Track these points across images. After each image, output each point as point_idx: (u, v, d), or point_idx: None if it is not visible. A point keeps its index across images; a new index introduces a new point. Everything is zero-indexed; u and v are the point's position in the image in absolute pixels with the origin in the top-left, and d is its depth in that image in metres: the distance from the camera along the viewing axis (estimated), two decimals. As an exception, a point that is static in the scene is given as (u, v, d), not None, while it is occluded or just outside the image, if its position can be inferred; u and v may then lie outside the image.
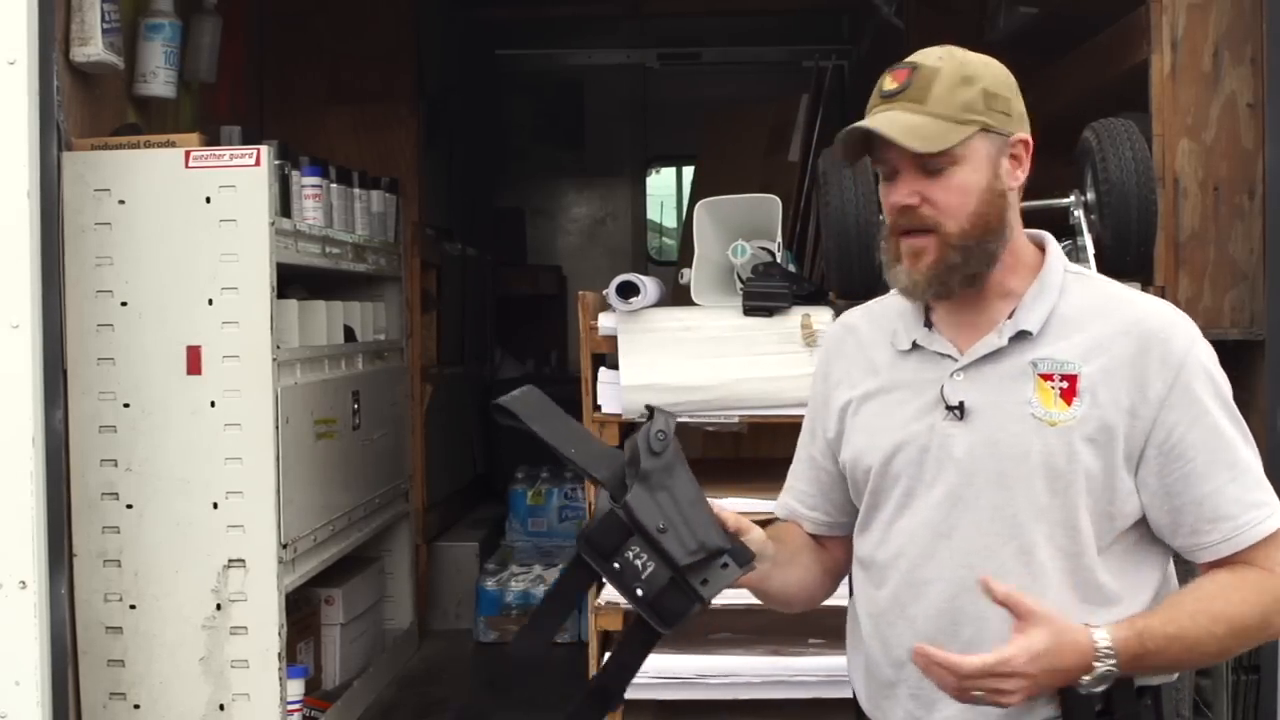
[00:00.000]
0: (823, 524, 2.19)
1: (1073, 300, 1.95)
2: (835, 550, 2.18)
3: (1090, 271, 2.06)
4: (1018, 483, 1.91)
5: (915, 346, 2.02)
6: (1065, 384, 1.90)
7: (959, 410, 1.95)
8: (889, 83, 1.94)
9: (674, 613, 1.85)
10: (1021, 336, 1.94)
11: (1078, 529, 1.89)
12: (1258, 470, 1.91)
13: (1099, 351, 1.90)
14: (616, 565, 1.85)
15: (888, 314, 2.09)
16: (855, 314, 2.19)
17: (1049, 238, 2.03)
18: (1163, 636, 1.84)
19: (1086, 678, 1.80)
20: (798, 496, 2.22)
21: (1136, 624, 1.84)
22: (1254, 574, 1.88)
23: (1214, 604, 1.86)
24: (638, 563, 1.84)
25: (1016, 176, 1.95)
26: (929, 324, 2.02)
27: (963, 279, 1.95)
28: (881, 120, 1.91)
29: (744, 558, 1.87)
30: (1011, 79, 1.97)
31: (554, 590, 2.02)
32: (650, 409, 1.92)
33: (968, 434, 1.94)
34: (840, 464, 2.11)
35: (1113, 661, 1.80)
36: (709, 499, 1.89)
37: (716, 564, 1.84)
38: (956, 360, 1.97)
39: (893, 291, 2.06)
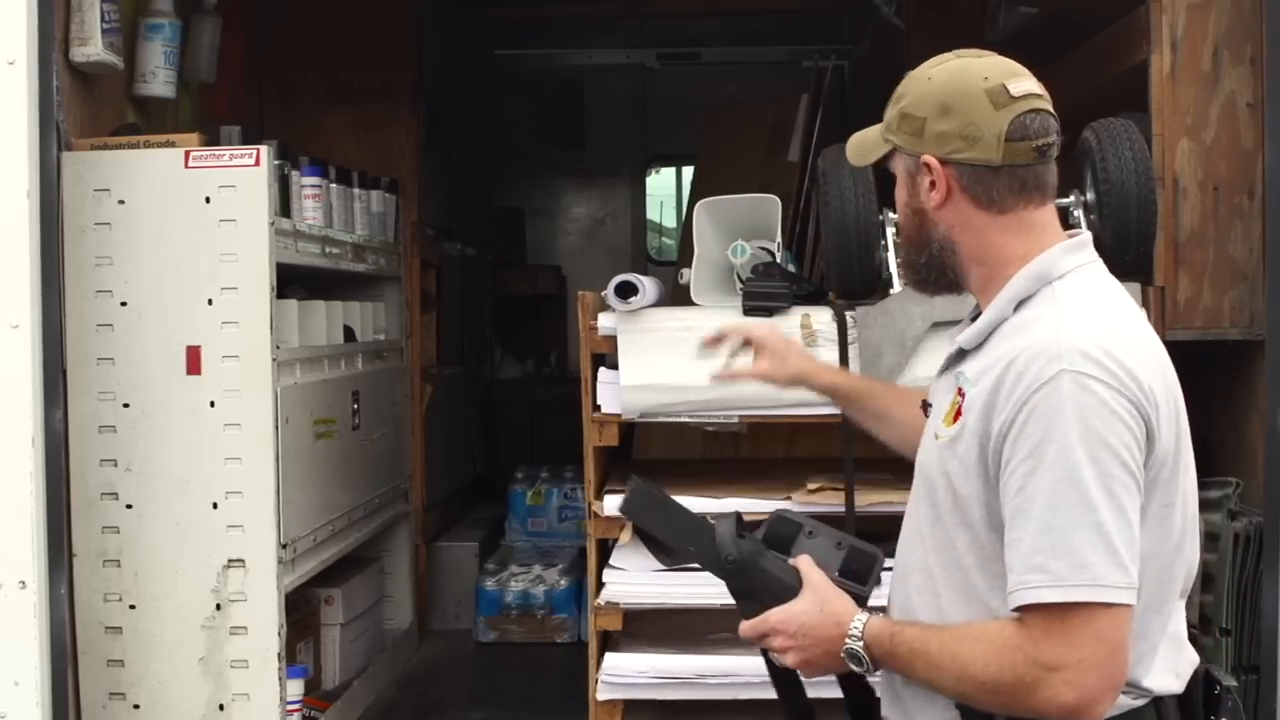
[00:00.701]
0: None
1: (1022, 317, 1.91)
2: None
3: (1073, 289, 1.91)
4: (920, 491, 2.00)
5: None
6: (960, 400, 1.90)
7: (925, 409, 2.08)
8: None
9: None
10: (961, 349, 1.99)
11: (953, 543, 1.91)
12: (1065, 537, 1.73)
13: (984, 375, 1.88)
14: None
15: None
16: None
17: (1050, 250, 1.95)
18: (909, 648, 1.87)
19: (841, 653, 1.92)
20: None
21: (897, 626, 1.92)
22: (1013, 636, 1.78)
23: (959, 644, 1.83)
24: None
25: (933, 197, 1.95)
26: (974, 320, 2.07)
27: (913, 281, 2.08)
28: (859, 133, 2.08)
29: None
30: (947, 97, 1.93)
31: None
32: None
33: (925, 434, 2.04)
34: None
35: (859, 643, 1.90)
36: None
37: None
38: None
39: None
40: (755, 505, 3.46)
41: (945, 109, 1.92)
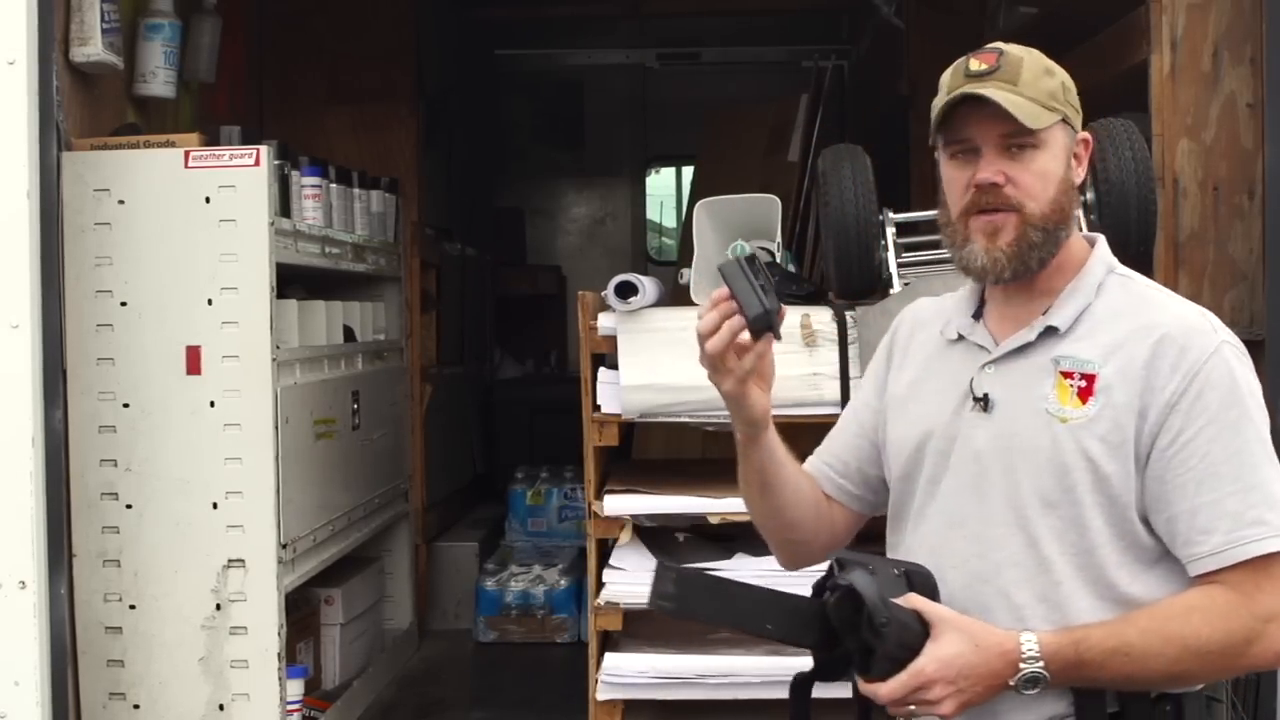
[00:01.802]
0: (843, 490, 2.21)
1: (1109, 301, 1.95)
2: (837, 514, 2.20)
3: (1137, 275, 2.01)
4: (1026, 476, 1.92)
5: (960, 338, 2.05)
6: (1084, 382, 1.90)
7: (984, 402, 1.97)
8: (975, 64, 1.94)
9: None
10: (1050, 332, 1.95)
11: (1087, 526, 1.88)
12: (1272, 490, 1.83)
13: (1118, 352, 1.89)
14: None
15: (948, 305, 2.13)
16: (924, 303, 2.22)
17: (1101, 239, 2.03)
18: (1103, 649, 1.81)
19: (1014, 679, 1.81)
20: (828, 460, 2.23)
21: (1076, 633, 1.84)
22: (1225, 597, 1.81)
23: (1169, 623, 1.82)
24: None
25: (1079, 173, 1.99)
26: (978, 316, 2.05)
27: (1040, 262, 1.95)
28: (1001, 96, 1.90)
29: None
30: (1070, 81, 2.00)
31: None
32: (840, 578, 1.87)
33: (990, 426, 1.96)
34: (880, 444, 2.15)
35: (1039, 665, 1.81)
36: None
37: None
38: (990, 353, 2.00)
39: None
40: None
41: (1073, 93, 1.98)
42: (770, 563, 3.38)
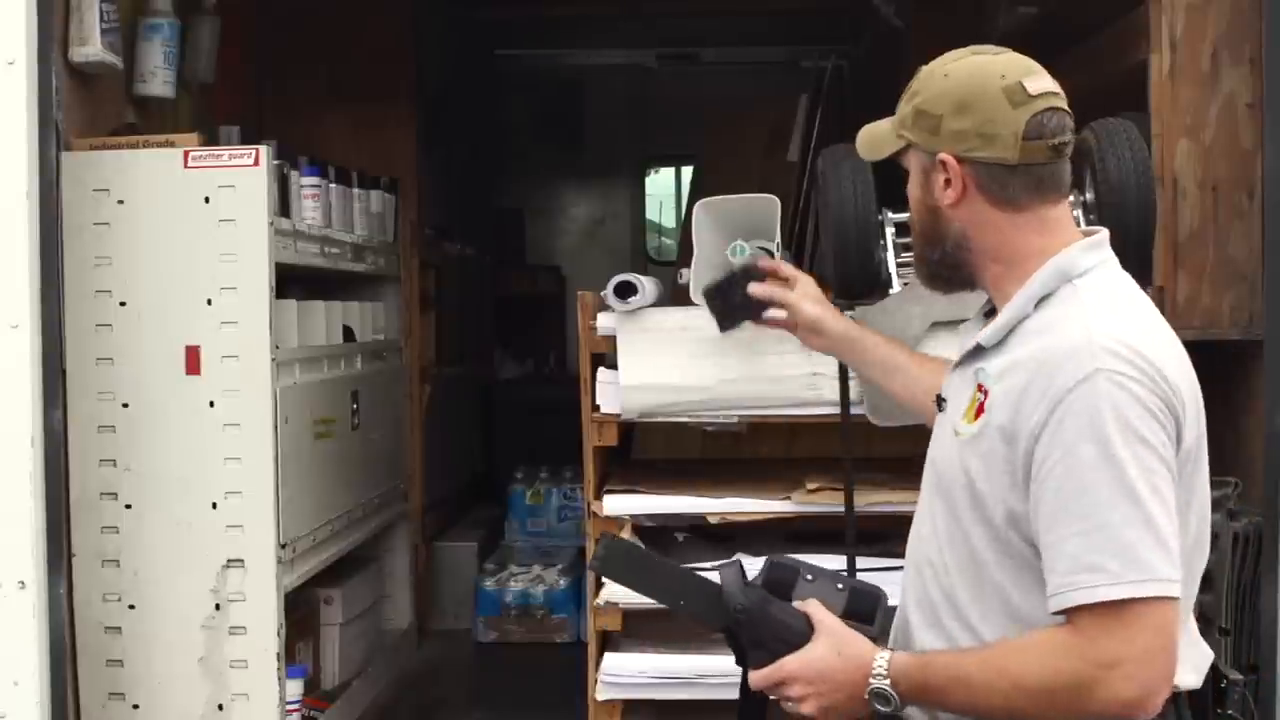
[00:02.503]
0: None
1: (1044, 316, 1.90)
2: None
3: (1093, 287, 1.92)
4: (937, 484, 1.99)
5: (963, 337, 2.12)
6: (982, 397, 1.90)
7: (940, 403, 2.06)
8: None
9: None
10: (979, 345, 1.97)
11: (972, 543, 1.90)
12: (1118, 534, 1.73)
13: (1010, 373, 1.87)
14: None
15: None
16: None
17: (1070, 247, 1.95)
18: (946, 675, 1.84)
19: (865, 694, 1.88)
20: None
21: (927, 657, 1.88)
22: (1064, 638, 1.76)
23: (1005, 658, 1.80)
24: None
25: (948, 195, 1.94)
26: (989, 314, 2.07)
27: (926, 277, 2.07)
28: (870, 126, 2.07)
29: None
30: (965, 94, 1.92)
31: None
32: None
33: (938, 429, 2.05)
34: None
35: (886, 681, 1.86)
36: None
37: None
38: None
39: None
40: (755, 505, 3.46)
41: (962, 106, 1.92)
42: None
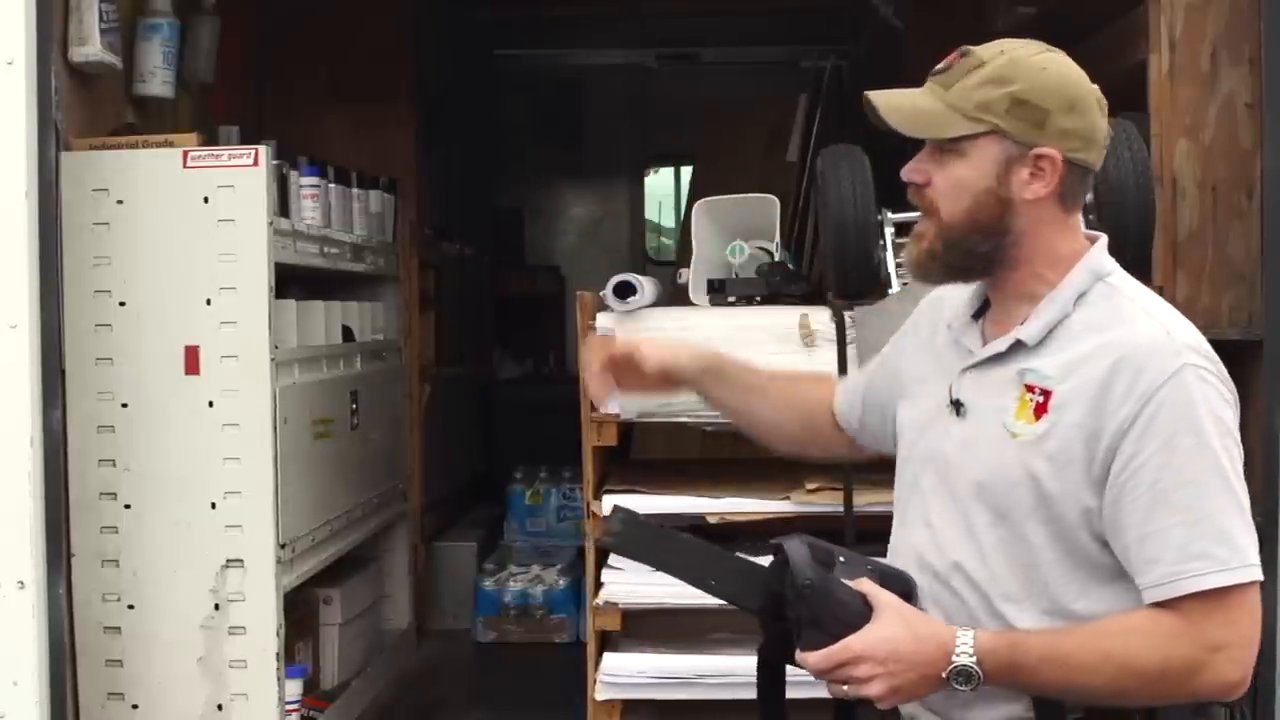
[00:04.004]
0: (845, 417, 2.32)
1: (1086, 314, 1.91)
2: (832, 432, 2.35)
3: (1127, 285, 1.95)
4: (978, 487, 1.93)
5: (958, 338, 2.06)
6: (1041, 398, 1.88)
7: (958, 407, 1.98)
8: (941, 62, 1.96)
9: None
10: (1020, 345, 1.93)
11: (1029, 541, 1.88)
12: (1222, 522, 1.79)
13: (1078, 370, 1.86)
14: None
15: (962, 297, 2.11)
16: (949, 288, 2.19)
17: (1097, 245, 1.98)
18: (1040, 654, 1.81)
19: (946, 672, 1.82)
20: (846, 385, 2.36)
21: (1015, 636, 1.85)
22: (1170, 623, 1.79)
23: (1108, 640, 1.81)
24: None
25: (1033, 189, 1.91)
26: (978, 315, 2.05)
27: (943, 271, 1.99)
28: (892, 96, 1.94)
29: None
30: (1073, 92, 1.92)
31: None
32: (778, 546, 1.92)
33: (959, 432, 1.97)
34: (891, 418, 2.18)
35: (972, 659, 1.81)
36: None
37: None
38: (972, 357, 2.00)
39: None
40: (755, 505, 3.46)
41: (1072, 105, 1.91)
42: (768, 562, 3.40)
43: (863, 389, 2.30)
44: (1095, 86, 1.95)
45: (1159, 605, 1.80)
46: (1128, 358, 1.83)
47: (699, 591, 1.96)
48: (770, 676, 2.01)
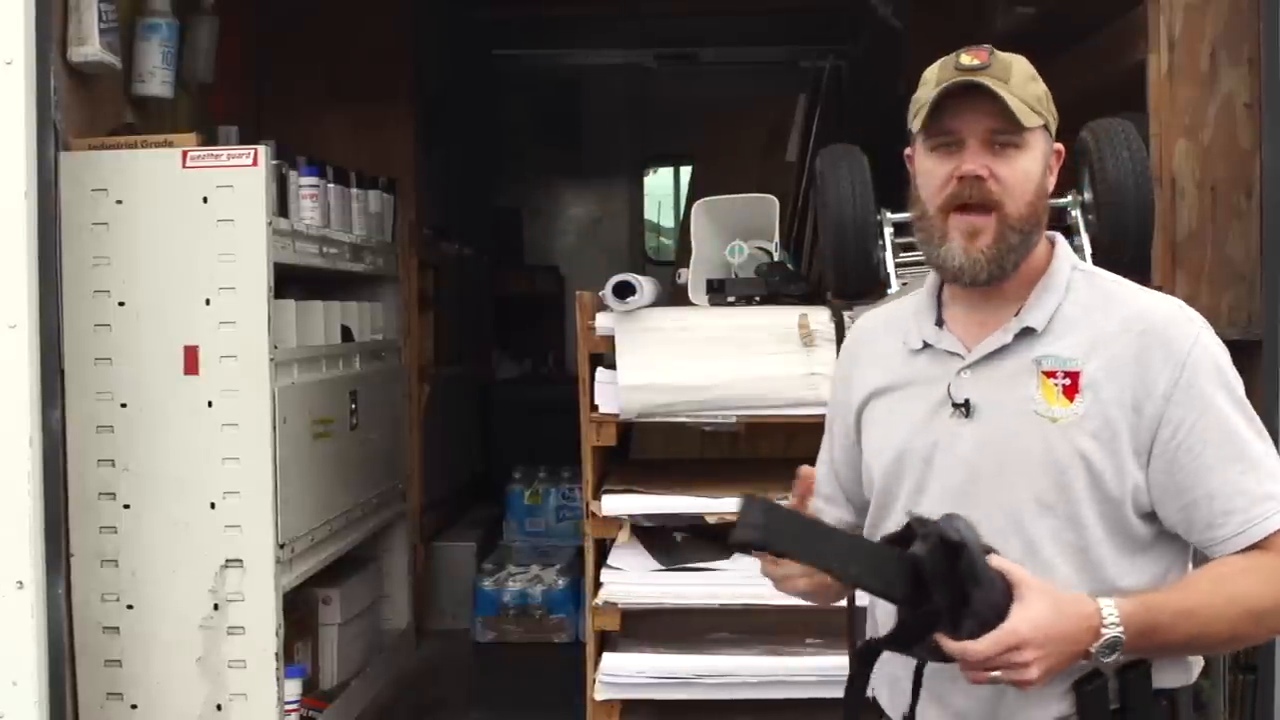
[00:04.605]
0: (845, 525, 2.18)
1: (1077, 298, 1.96)
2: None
3: (1096, 270, 2.04)
4: (1020, 479, 1.91)
5: (926, 345, 2.03)
6: (1068, 380, 1.90)
7: (965, 408, 1.96)
8: (967, 59, 1.93)
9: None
10: (1026, 334, 1.94)
11: (1083, 524, 1.89)
12: (1271, 464, 1.90)
13: (1101, 348, 1.90)
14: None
15: (903, 314, 2.09)
16: (871, 316, 2.22)
17: (1058, 237, 2.04)
18: (1172, 611, 1.83)
19: (1095, 646, 1.78)
20: (824, 499, 2.20)
21: (1144, 598, 1.84)
22: (1269, 559, 1.86)
23: (1228, 585, 1.85)
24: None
25: (1050, 182, 1.99)
26: (940, 323, 2.03)
27: (1015, 264, 1.95)
28: (990, 84, 1.90)
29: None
30: (1046, 93, 2.00)
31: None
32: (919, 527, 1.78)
33: (973, 431, 1.95)
34: (863, 463, 2.12)
35: (1119, 629, 1.78)
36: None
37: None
38: (964, 358, 1.98)
39: (903, 292, 2.07)
40: (753, 505, 3.45)
41: (1052, 103, 1.99)
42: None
43: (830, 466, 2.21)
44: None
45: (1240, 552, 1.87)
46: (1152, 329, 1.90)
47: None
48: (865, 672, 1.88)
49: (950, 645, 1.73)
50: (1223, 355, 1.93)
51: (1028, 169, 1.93)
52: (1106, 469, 1.88)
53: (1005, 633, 1.72)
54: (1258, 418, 1.94)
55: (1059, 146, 2.00)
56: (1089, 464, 1.88)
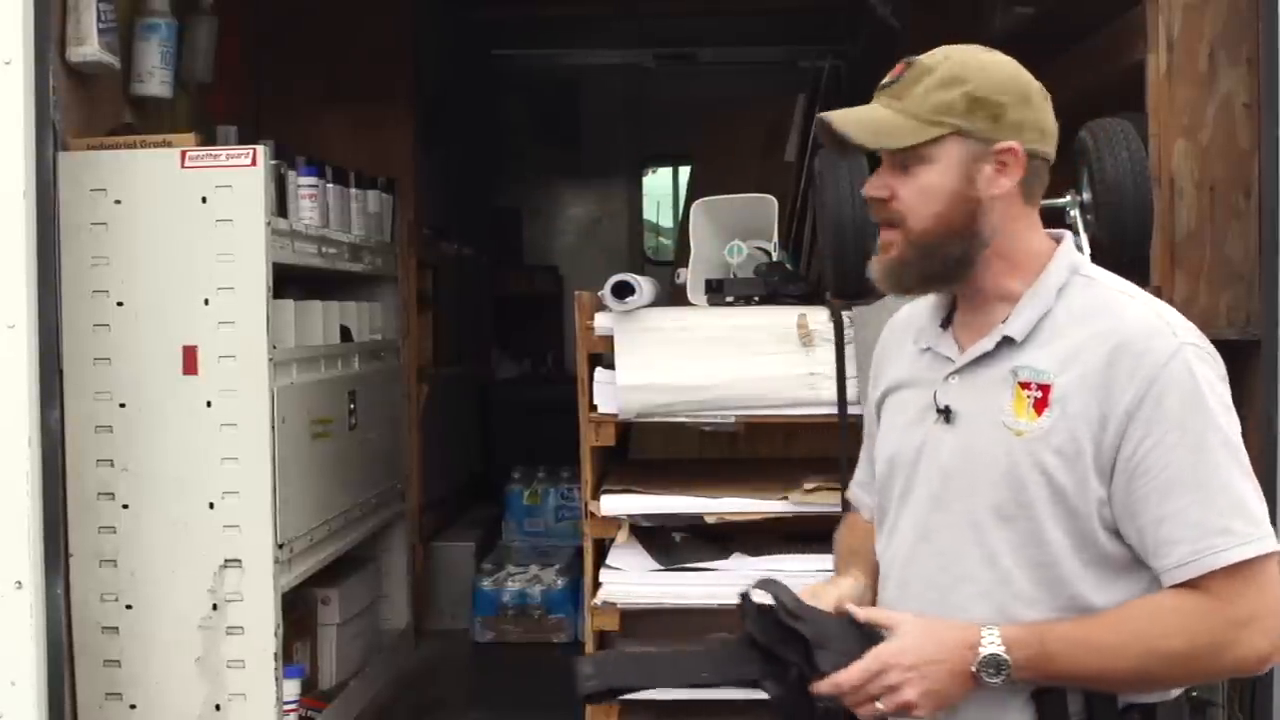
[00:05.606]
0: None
1: (1070, 305, 1.91)
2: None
3: (1103, 275, 1.97)
4: (984, 490, 1.90)
5: (928, 347, 2.04)
6: (1040, 393, 1.87)
7: (946, 414, 1.96)
8: (887, 76, 1.96)
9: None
10: (1008, 342, 1.92)
11: (1045, 539, 1.86)
12: (1238, 496, 1.80)
13: (1075, 361, 1.86)
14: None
15: (922, 311, 2.10)
16: (906, 310, 2.20)
17: (1066, 240, 1.99)
18: (1070, 640, 1.81)
19: (974, 665, 1.81)
20: (859, 483, 2.29)
21: (1041, 626, 1.83)
22: (1196, 602, 1.79)
23: (1138, 622, 1.81)
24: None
25: (1000, 184, 1.91)
26: (946, 324, 2.03)
27: (918, 278, 1.97)
28: (848, 113, 1.95)
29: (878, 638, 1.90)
30: (1024, 86, 1.93)
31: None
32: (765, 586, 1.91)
33: (952, 438, 1.95)
34: None
35: (998, 647, 1.80)
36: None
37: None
38: (954, 362, 1.98)
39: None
40: (753, 505, 3.46)
41: (1024, 98, 1.92)
42: (766, 561, 3.40)
43: (868, 454, 2.24)
44: (1038, 82, 1.97)
45: (1183, 585, 1.80)
46: (1127, 343, 1.83)
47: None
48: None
49: (822, 686, 1.83)
50: (1207, 374, 1.84)
51: (930, 184, 1.91)
52: (1069, 484, 1.84)
53: (868, 659, 1.82)
54: (1241, 448, 1.84)
55: (1005, 145, 1.90)
56: (1050, 479, 1.85)
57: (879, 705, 1.82)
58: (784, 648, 1.85)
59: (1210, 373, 1.84)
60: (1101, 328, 1.86)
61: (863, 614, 1.89)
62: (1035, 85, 1.95)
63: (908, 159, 1.92)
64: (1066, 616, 1.85)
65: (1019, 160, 1.91)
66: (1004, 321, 1.93)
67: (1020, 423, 1.88)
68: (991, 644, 1.81)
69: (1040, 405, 1.87)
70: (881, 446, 2.09)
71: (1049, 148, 1.95)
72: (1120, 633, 1.80)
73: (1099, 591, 1.85)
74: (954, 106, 1.89)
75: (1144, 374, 1.81)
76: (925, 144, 1.90)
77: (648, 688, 1.95)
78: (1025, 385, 1.88)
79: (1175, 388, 1.81)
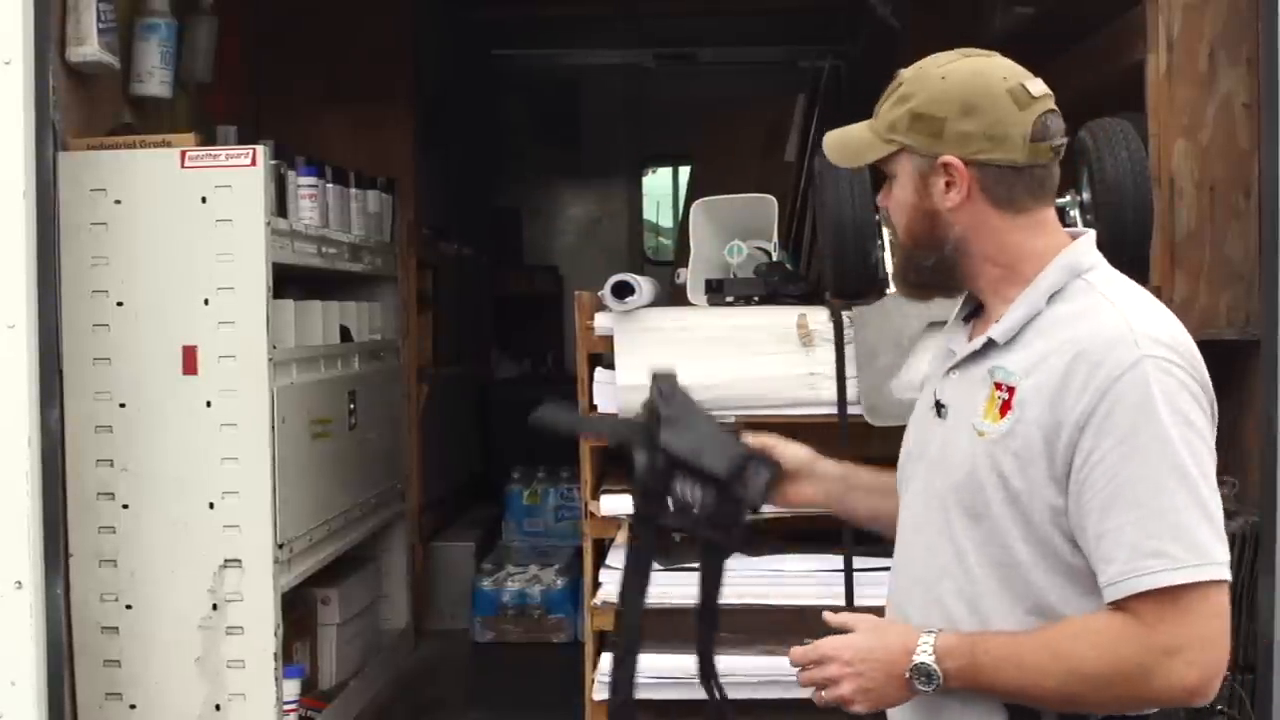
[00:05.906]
0: None
1: (1060, 309, 1.89)
2: None
3: (1104, 278, 1.93)
4: (954, 488, 1.91)
5: (946, 340, 2.08)
6: (1006, 395, 1.86)
7: (940, 409, 1.99)
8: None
9: (730, 523, 2.08)
10: (991, 343, 1.93)
11: (1007, 542, 1.86)
12: (1179, 519, 1.74)
13: (1040, 366, 1.84)
14: (670, 505, 2.07)
15: (957, 303, 2.12)
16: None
17: (1076, 242, 1.96)
18: (997, 654, 1.80)
19: (906, 671, 1.84)
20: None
21: (976, 636, 1.84)
22: (1122, 625, 1.75)
23: (1064, 642, 1.78)
24: (687, 495, 2.07)
25: (950, 198, 1.92)
26: (969, 319, 2.05)
27: (914, 282, 2.05)
28: (836, 131, 2.06)
29: (773, 465, 2.14)
30: (970, 97, 1.90)
31: (629, 567, 2.20)
32: (653, 375, 2.19)
33: (941, 433, 1.97)
34: None
35: (929, 656, 1.81)
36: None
37: (751, 473, 2.10)
38: (954, 357, 2.00)
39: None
40: (752, 505, 3.45)
41: (968, 109, 1.90)
42: (767, 562, 3.40)
43: None
44: (1016, 81, 1.91)
45: (1115, 606, 1.77)
46: (1086, 351, 1.80)
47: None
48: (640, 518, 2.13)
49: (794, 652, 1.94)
50: (1167, 391, 1.77)
51: (897, 197, 1.99)
52: (1023, 489, 1.83)
53: (812, 646, 1.91)
54: (1199, 468, 1.77)
55: (946, 159, 1.89)
56: (1006, 482, 1.84)
57: (822, 695, 1.89)
58: (654, 430, 2.08)
59: (1174, 388, 1.78)
60: (1069, 335, 1.84)
61: (836, 619, 1.94)
62: (989, 91, 1.90)
63: (887, 173, 2.00)
64: (1039, 620, 1.84)
65: (961, 174, 1.90)
66: (997, 322, 1.94)
67: (985, 424, 1.88)
68: (924, 653, 1.83)
69: (1005, 408, 1.86)
70: (904, 438, 2.12)
71: (1011, 154, 1.90)
72: (1047, 651, 1.79)
73: (1067, 604, 1.83)
74: (899, 124, 1.94)
75: (1097, 385, 1.78)
76: (887, 159, 1.96)
77: (573, 431, 2.39)
78: (998, 386, 1.88)
79: (1127, 401, 1.76)
